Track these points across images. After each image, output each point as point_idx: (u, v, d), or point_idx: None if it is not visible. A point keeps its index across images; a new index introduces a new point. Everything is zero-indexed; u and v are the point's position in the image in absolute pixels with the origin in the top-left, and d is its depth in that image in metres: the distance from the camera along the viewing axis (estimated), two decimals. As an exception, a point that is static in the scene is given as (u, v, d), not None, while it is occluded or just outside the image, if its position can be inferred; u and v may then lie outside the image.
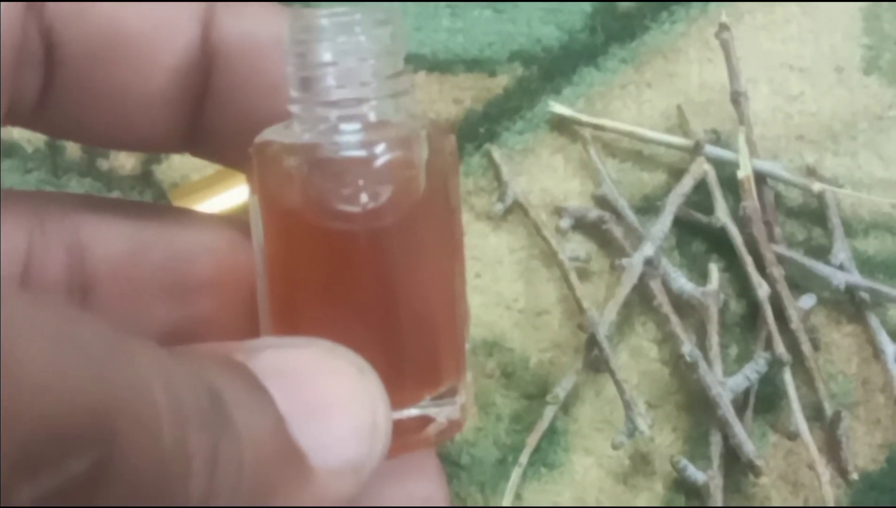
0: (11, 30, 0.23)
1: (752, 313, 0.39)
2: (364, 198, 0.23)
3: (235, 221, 0.28)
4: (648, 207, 0.41)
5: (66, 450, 0.15)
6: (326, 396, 0.21)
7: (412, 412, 0.24)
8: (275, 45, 0.25)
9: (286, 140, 0.24)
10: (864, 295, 0.39)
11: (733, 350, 0.39)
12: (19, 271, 0.24)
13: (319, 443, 0.20)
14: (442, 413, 0.25)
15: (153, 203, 0.28)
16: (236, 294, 0.27)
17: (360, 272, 0.24)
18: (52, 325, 0.16)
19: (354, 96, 0.23)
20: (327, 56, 0.23)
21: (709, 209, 0.40)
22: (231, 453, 0.18)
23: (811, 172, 0.42)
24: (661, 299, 0.39)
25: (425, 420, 0.25)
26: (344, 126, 0.23)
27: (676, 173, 0.42)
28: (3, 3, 0.23)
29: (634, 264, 0.39)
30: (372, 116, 0.23)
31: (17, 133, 0.42)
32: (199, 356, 0.20)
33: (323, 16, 0.23)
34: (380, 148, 0.23)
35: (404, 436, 0.24)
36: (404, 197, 0.24)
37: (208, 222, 0.28)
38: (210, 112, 0.26)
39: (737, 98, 0.42)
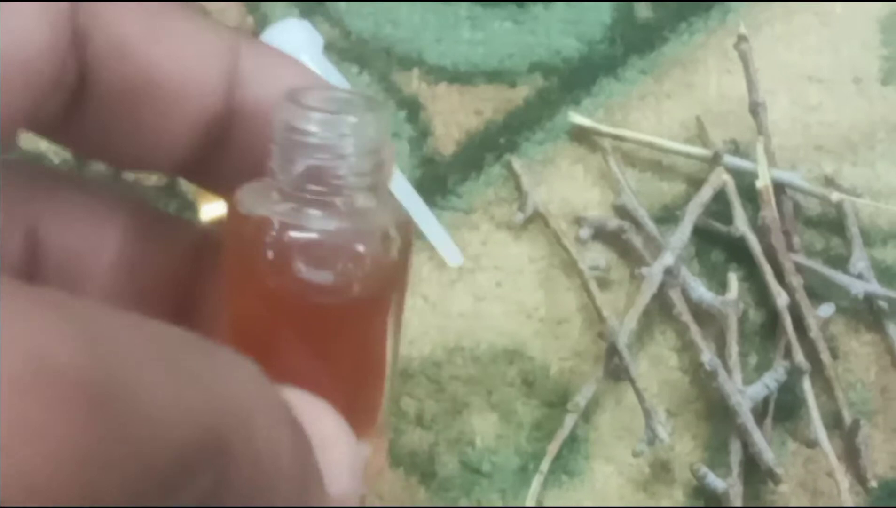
0: (53, 63, 0.23)
1: (772, 322, 0.40)
2: (330, 275, 0.25)
3: (200, 229, 0.29)
4: (668, 216, 0.42)
5: (193, 469, 0.17)
6: (327, 433, 0.23)
7: None
8: None
9: (263, 208, 0.25)
10: (883, 304, 0.40)
11: (753, 359, 0.39)
12: None
13: (326, 473, 0.22)
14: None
15: (119, 196, 0.29)
16: (177, 307, 0.28)
17: (327, 340, 0.26)
18: (154, 348, 0.17)
19: (331, 187, 0.25)
20: (310, 150, 0.25)
21: (728, 219, 0.41)
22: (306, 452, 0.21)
23: (829, 182, 0.42)
24: (681, 308, 0.39)
25: None
26: (315, 211, 0.25)
27: (695, 183, 0.42)
28: (50, 36, 0.23)
29: (654, 273, 0.39)
30: (343, 207, 0.25)
31: (44, 145, 0.43)
32: None
33: (313, 108, 0.24)
34: (351, 233, 0.25)
35: None
36: (368, 278, 0.25)
37: (168, 227, 0.29)
38: (225, 158, 0.27)
39: (755, 109, 0.42)
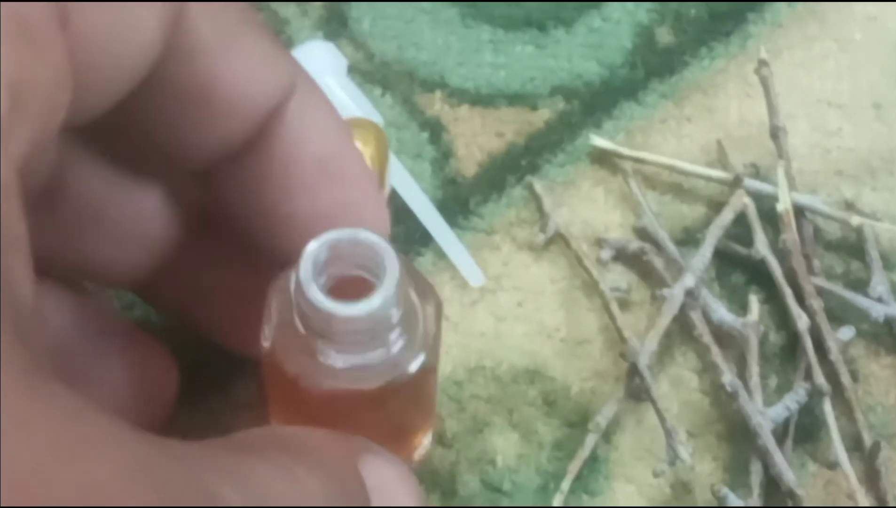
0: (153, 59, 0.24)
1: (792, 345, 0.40)
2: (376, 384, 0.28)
3: None
4: (688, 239, 0.42)
5: None
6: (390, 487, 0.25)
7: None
8: (316, 165, 0.28)
9: (307, 372, 0.27)
10: (903, 328, 0.40)
11: (773, 381, 0.39)
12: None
13: None
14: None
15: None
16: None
17: (366, 416, 0.29)
18: None
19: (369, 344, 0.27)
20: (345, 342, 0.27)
21: (748, 242, 0.41)
22: None
23: (849, 206, 0.42)
24: (702, 330, 0.39)
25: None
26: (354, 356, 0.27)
27: (716, 206, 0.42)
28: (159, 34, 0.23)
29: (675, 294, 0.39)
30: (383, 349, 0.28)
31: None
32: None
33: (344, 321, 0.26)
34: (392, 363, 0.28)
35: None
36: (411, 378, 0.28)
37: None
38: (238, 177, 0.29)
39: (776, 133, 0.43)
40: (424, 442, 0.34)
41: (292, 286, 0.26)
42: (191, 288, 0.32)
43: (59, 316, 0.29)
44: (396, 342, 0.27)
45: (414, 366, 0.27)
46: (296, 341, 0.27)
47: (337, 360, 0.27)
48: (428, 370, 0.29)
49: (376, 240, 0.26)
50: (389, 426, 0.29)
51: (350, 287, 0.26)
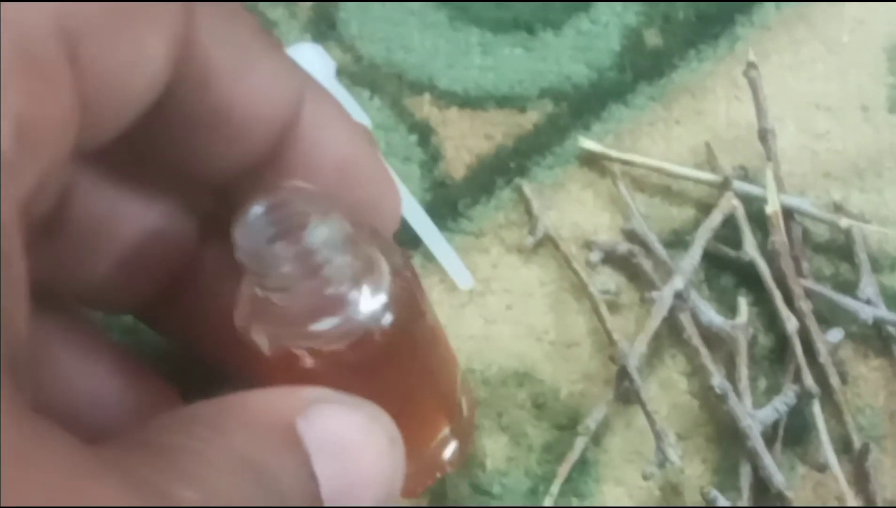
0: (160, 87, 0.24)
1: (781, 347, 0.40)
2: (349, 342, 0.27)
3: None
4: (677, 241, 0.42)
5: None
6: (362, 474, 0.23)
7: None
8: (335, 171, 0.28)
9: (264, 333, 0.27)
10: (891, 329, 0.40)
11: (762, 383, 0.39)
12: None
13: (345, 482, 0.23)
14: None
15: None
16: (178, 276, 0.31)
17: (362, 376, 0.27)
18: None
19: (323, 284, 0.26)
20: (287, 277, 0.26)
21: (737, 244, 0.41)
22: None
23: (838, 209, 0.42)
24: (691, 332, 0.39)
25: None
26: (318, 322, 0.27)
27: (705, 209, 0.42)
28: (166, 61, 0.23)
29: (664, 297, 0.39)
30: (342, 303, 0.27)
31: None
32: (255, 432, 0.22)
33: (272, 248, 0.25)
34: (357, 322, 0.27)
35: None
36: (381, 334, 0.27)
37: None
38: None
39: (764, 135, 0.43)
40: (451, 444, 0.33)
41: (238, 254, 0.25)
42: (195, 312, 0.31)
43: (65, 355, 0.29)
44: (359, 299, 0.26)
45: (383, 322, 0.27)
46: (262, 311, 0.26)
47: (304, 321, 0.26)
48: (407, 335, 0.28)
49: (314, 192, 0.26)
50: (387, 407, 0.29)
51: None
